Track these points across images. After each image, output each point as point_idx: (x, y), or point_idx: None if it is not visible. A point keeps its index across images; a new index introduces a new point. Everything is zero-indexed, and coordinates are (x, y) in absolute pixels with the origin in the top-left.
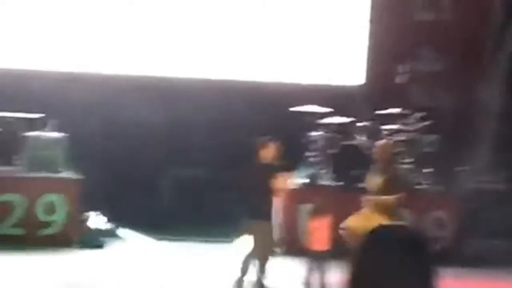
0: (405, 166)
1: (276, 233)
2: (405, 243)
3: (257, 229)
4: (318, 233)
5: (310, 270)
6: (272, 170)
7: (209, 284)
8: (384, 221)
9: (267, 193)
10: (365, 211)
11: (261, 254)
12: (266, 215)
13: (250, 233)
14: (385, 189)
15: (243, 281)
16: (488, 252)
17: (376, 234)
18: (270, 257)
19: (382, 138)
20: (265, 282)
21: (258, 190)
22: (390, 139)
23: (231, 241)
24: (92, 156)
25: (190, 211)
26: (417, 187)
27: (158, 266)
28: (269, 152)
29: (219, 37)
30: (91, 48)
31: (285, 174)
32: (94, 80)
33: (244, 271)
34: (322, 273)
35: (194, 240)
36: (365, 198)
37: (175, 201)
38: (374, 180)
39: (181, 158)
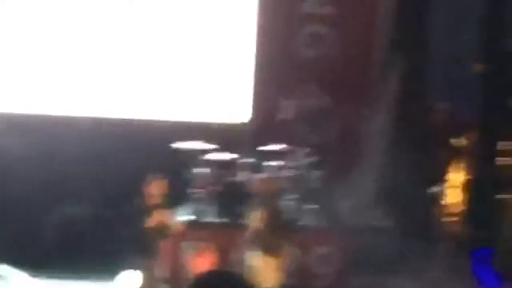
0: (289, 202)
1: (162, 271)
2: None
3: (143, 266)
4: (201, 270)
5: None
6: (158, 207)
7: None
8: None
9: (152, 230)
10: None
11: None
12: (151, 252)
13: (136, 270)
14: (266, 225)
15: None
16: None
17: (201, 281)
18: None
19: (266, 174)
20: None
21: (143, 227)
22: (272, 175)
23: (113, 279)
24: None
25: (73, 248)
26: (302, 223)
27: None
28: (155, 190)
29: (100, 75)
30: None
31: (169, 211)
32: None
33: None
34: None
35: (77, 278)
36: (246, 234)
37: (58, 238)
38: (255, 216)
39: (64, 195)
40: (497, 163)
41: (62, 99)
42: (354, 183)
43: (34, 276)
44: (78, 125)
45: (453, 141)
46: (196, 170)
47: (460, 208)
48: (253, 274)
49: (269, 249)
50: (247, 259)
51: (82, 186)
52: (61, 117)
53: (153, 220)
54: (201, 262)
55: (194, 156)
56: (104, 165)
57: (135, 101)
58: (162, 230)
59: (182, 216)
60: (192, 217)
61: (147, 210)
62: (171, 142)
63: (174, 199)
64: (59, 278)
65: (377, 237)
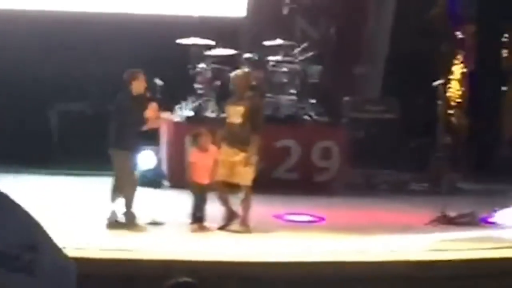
0: (289, 96)
1: (165, 165)
2: None
3: (118, 159)
4: (201, 165)
5: (195, 203)
6: (142, 101)
7: (89, 217)
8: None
9: (133, 124)
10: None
11: (124, 184)
12: (128, 145)
13: (114, 164)
14: (243, 119)
15: (115, 212)
16: (376, 181)
17: None
18: (133, 188)
19: (266, 69)
20: (134, 211)
21: (123, 120)
22: (248, 69)
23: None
24: None
25: (75, 144)
26: (303, 117)
27: (44, 200)
28: (138, 84)
29: None
30: None
31: (156, 106)
32: None
33: (113, 201)
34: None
35: (80, 174)
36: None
37: (60, 135)
38: (231, 110)
39: (65, 92)
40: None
41: None
42: (355, 76)
43: (40, 172)
44: (77, 20)
45: (454, 33)
46: (197, 65)
47: (462, 100)
48: (228, 169)
49: (243, 144)
50: (222, 154)
51: (81, 82)
52: (60, 12)
53: (139, 113)
54: (199, 156)
55: (195, 51)
56: (107, 61)
57: None
58: (152, 123)
59: (183, 110)
60: (194, 112)
61: (133, 104)
62: (172, 38)
63: (174, 93)
64: (66, 174)
65: (380, 130)
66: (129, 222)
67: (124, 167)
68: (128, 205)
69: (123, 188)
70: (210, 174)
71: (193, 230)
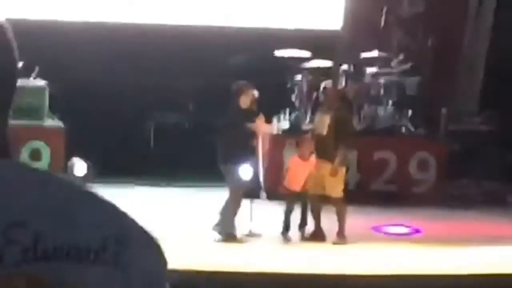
0: (386, 108)
1: (262, 178)
2: None
3: (228, 173)
4: (299, 173)
5: (289, 212)
6: (250, 114)
7: (190, 228)
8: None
9: (244, 138)
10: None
11: (232, 197)
12: (239, 160)
13: (225, 177)
14: (331, 130)
15: (220, 225)
16: (472, 193)
17: None
18: (240, 201)
19: (363, 81)
20: (236, 225)
21: (234, 134)
22: (341, 80)
23: (211, 186)
24: (76, 103)
25: (173, 156)
26: (400, 129)
27: (141, 211)
28: (247, 97)
29: None
30: None
31: (264, 118)
32: (77, 27)
33: (223, 215)
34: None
35: (178, 186)
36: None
37: (158, 146)
38: (321, 121)
39: (163, 103)
40: None
41: (158, 6)
42: (452, 88)
43: (137, 184)
44: (179, 35)
45: None
46: (294, 77)
47: None
48: (317, 181)
49: (330, 155)
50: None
51: (178, 94)
52: (159, 25)
53: (248, 127)
54: (298, 166)
55: (292, 63)
56: (205, 73)
57: (234, 9)
58: (258, 137)
59: (282, 123)
60: (291, 124)
61: (242, 117)
62: (270, 50)
63: (273, 106)
64: (162, 186)
65: (477, 141)
66: (229, 234)
67: (233, 181)
68: (232, 217)
69: (230, 201)
70: (305, 183)
71: (285, 241)
